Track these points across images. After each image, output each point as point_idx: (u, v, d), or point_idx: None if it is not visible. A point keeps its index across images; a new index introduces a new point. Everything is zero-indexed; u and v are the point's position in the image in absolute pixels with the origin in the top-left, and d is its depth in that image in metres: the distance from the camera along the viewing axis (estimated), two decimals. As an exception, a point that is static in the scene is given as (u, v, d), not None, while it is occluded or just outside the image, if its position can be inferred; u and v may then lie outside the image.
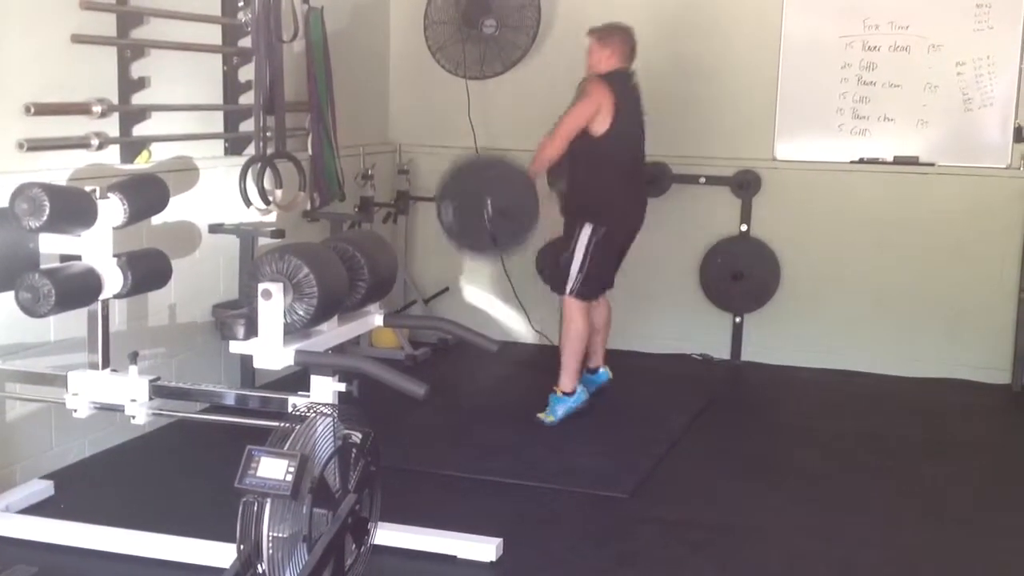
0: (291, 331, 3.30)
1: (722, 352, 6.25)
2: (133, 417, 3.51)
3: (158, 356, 4.64)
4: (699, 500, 4.22)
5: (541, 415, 4.96)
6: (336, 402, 3.23)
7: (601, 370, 5.24)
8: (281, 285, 3.23)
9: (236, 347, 3.35)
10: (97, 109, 4.23)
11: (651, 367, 6.06)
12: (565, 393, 4.95)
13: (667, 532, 3.89)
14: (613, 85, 4.87)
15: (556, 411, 4.94)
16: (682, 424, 5.07)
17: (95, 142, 4.22)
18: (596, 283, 5.00)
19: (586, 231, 4.87)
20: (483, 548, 3.56)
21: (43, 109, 3.98)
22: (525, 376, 5.92)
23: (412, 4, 6.40)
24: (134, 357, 3.52)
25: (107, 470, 4.28)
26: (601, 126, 4.81)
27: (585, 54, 5.04)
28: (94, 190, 3.59)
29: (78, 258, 3.58)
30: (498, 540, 3.59)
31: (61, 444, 4.21)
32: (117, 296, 3.69)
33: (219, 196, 4.97)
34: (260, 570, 2.76)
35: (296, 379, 3.61)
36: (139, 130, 4.55)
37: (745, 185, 6.10)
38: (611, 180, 4.90)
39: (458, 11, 6.18)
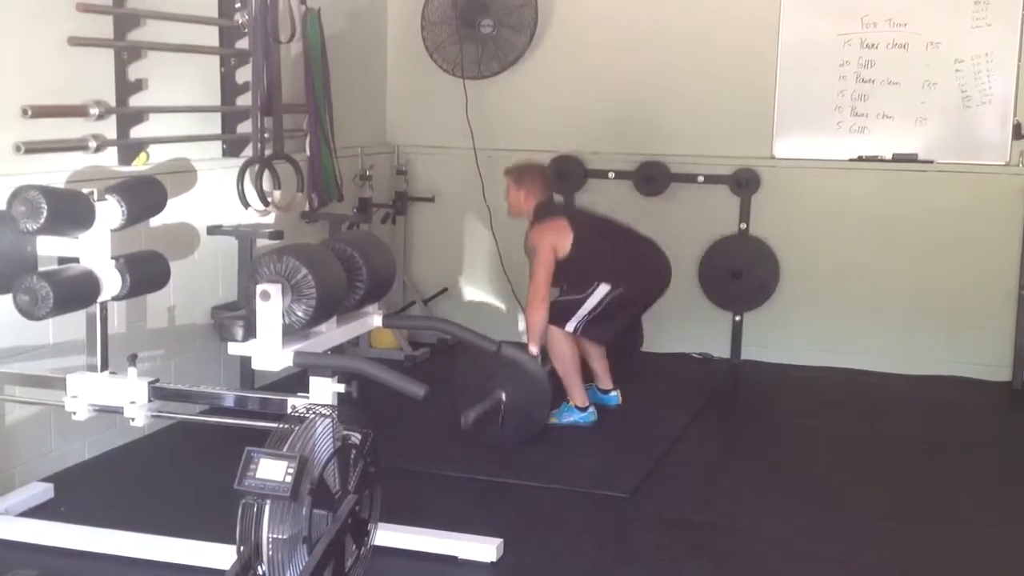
0: (290, 332, 3.30)
1: (722, 351, 6.25)
2: (132, 419, 3.51)
3: (157, 358, 4.64)
4: (698, 500, 4.22)
5: (543, 415, 4.96)
6: (335, 403, 3.23)
7: (612, 393, 5.22)
8: (279, 286, 3.23)
9: (235, 349, 3.35)
10: (94, 111, 4.23)
11: (651, 366, 6.05)
12: (577, 407, 4.95)
13: (667, 532, 3.88)
14: (548, 215, 4.98)
15: (563, 417, 4.93)
16: (682, 423, 5.06)
17: (92, 144, 4.22)
18: (602, 330, 4.95)
19: (602, 288, 4.85)
20: (483, 548, 3.55)
21: (40, 111, 3.98)
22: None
23: (409, 4, 6.40)
24: (133, 359, 3.52)
25: (107, 472, 4.27)
26: (562, 252, 4.85)
27: (504, 194, 5.15)
28: (92, 192, 3.58)
29: (76, 260, 3.57)
30: (498, 540, 3.59)
31: (60, 447, 4.21)
32: (115, 298, 3.69)
33: (217, 198, 4.97)
34: (260, 572, 2.75)
35: (295, 380, 3.60)
36: (137, 132, 4.54)
37: (744, 183, 6.09)
38: (618, 253, 4.96)
39: (455, 11, 6.18)
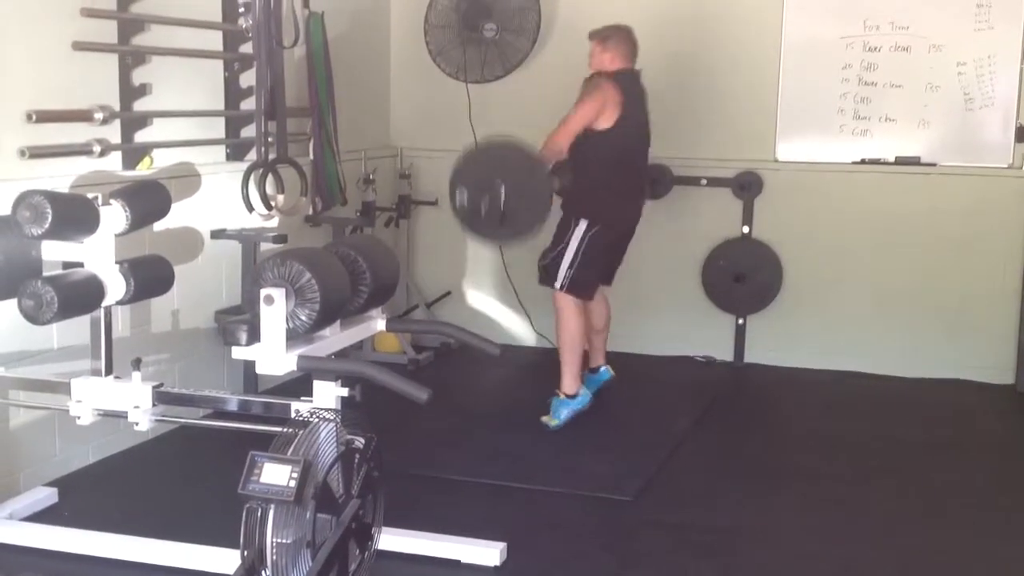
0: (294, 336, 3.30)
1: (725, 354, 6.25)
2: (136, 424, 3.51)
3: (161, 362, 4.65)
4: (702, 503, 4.22)
5: (545, 419, 4.96)
6: (339, 407, 3.23)
7: (603, 368, 5.23)
8: (283, 290, 3.23)
9: (239, 353, 3.35)
10: (99, 116, 4.24)
11: (654, 370, 6.06)
12: (568, 395, 4.95)
13: (670, 535, 3.88)
14: (621, 84, 4.88)
15: (560, 414, 4.94)
16: (685, 427, 5.06)
17: (97, 149, 4.23)
18: (589, 280, 4.97)
19: (580, 227, 4.85)
20: (487, 552, 3.56)
21: (44, 116, 3.98)
22: (527, 379, 5.92)
23: (412, 8, 6.41)
24: (137, 363, 3.52)
25: (111, 477, 4.28)
26: (605, 122, 4.81)
27: (588, 58, 5.05)
28: (96, 197, 3.59)
29: (80, 265, 3.58)
30: (502, 544, 3.59)
31: (65, 451, 4.22)
32: (120, 303, 3.69)
33: (221, 202, 4.97)
34: (264, 576, 2.76)
35: (299, 384, 3.60)
36: (141, 136, 4.55)
37: (747, 186, 6.09)
38: (609, 179, 4.90)
39: (458, 15, 6.19)
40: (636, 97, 4.96)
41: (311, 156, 5.53)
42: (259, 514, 2.75)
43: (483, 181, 4.47)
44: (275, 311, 3.22)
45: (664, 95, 6.15)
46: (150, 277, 3.77)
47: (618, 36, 5.01)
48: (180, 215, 4.52)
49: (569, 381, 4.95)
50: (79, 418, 3.56)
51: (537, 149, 4.75)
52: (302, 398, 3.31)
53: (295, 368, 3.31)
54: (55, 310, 3.39)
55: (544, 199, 4.56)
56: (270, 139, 5.01)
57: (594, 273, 4.99)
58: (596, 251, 4.89)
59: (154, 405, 3.51)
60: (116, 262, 3.60)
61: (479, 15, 6.16)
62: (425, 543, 3.59)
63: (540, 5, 6.15)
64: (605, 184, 4.89)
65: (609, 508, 4.12)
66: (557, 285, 4.91)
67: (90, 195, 3.60)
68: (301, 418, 3.00)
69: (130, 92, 4.47)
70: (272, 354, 3.27)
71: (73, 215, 3.51)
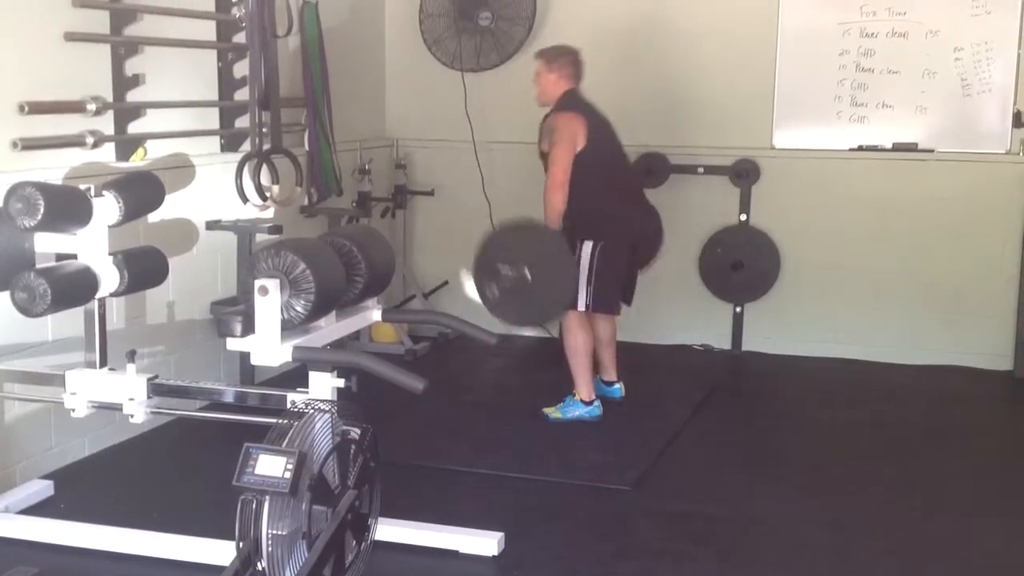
0: (289, 327, 3.28)
1: (723, 342, 6.24)
2: (132, 416, 3.50)
3: (156, 354, 4.63)
4: (701, 491, 4.21)
5: (549, 410, 4.93)
6: (335, 398, 3.22)
7: (616, 385, 5.20)
8: (278, 281, 3.21)
9: (234, 344, 3.34)
10: (91, 107, 4.22)
11: (652, 358, 6.05)
12: (583, 400, 4.92)
13: (669, 524, 3.88)
14: (574, 108, 4.86)
15: (568, 412, 4.90)
16: (683, 415, 5.05)
17: (90, 140, 4.21)
18: (611, 294, 4.92)
19: (586, 248, 4.82)
20: (485, 542, 3.55)
21: (37, 108, 3.97)
22: (524, 369, 5.91)
23: (407, -3, 6.39)
24: (132, 355, 3.51)
25: (106, 469, 4.27)
26: (579, 145, 4.79)
27: (533, 77, 5.03)
28: (89, 188, 3.57)
29: (74, 257, 3.57)
30: (500, 534, 3.58)
31: (60, 444, 4.20)
32: (114, 294, 3.68)
33: (216, 193, 4.96)
34: (260, 568, 2.74)
35: (295, 375, 3.59)
36: (134, 128, 4.53)
37: (744, 174, 6.08)
38: (601, 194, 4.84)
39: (453, 4, 6.17)
40: (592, 111, 4.92)
41: (306, 147, 5.52)
42: (254, 506, 2.74)
43: (508, 268, 4.43)
44: (270, 302, 3.21)
45: (661, 83, 6.16)
46: (144, 269, 3.76)
47: (565, 58, 4.98)
48: (174, 206, 4.50)
49: (584, 388, 4.92)
50: (74, 411, 3.56)
51: (544, 220, 4.74)
52: (298, 389, 3.30)
53: (290, 359, 3.29)
54: (48, 302, 3.37)
55: (570, 271, 4.54)
56: (264, 129, 4.99)
57: (615, 286, 4.94)
58: (608, 265, 4.85)
59: (149, 397, 3.50)
60: (109, 254, 3.59)
61: (474, 3, 6.14)
62: (422, 533, 3.58)
63: (535, -7, 6.13)
64: (598, 202, 4.84)
65: (607, 497, 4.12)
66: (580, 307, 4.85)
67: (83, 187, 3.58)
68: (296, 409, 2.99)
69: (123, 83, 4.45)
70: (267, 345, 3.25)
71: (66, 207, 3.49)
